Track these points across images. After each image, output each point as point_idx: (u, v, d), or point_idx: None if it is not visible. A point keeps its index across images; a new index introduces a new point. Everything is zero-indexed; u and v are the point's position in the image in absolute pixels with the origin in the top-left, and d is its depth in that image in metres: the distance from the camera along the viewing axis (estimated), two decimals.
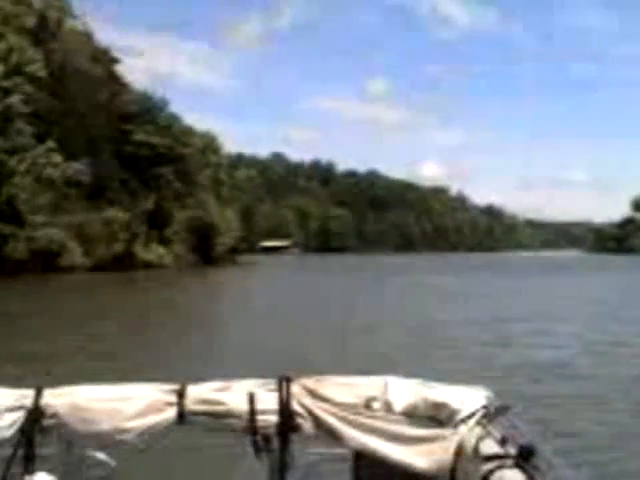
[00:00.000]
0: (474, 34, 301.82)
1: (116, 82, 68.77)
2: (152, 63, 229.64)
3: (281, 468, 3.43)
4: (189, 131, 75.88)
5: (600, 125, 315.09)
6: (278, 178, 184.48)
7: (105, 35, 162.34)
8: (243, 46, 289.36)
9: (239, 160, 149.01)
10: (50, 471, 3.38)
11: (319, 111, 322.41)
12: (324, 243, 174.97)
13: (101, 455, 3.46)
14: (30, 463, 3.29)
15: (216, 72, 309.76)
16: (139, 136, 66.82)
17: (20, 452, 3.28)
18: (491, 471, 2.81)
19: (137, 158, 66.76)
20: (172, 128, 70.95)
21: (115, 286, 46.97)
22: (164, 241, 70.06)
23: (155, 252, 68.07)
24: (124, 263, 60.73)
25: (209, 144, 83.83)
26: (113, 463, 3.46)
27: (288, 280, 56.15)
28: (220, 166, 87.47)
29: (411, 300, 36.28)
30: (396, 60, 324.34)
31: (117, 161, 65.19)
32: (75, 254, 57.22)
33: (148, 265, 65.55)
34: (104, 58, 68.45)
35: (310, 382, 3.44)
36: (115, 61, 72.30)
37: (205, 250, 76.14)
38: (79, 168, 56.91)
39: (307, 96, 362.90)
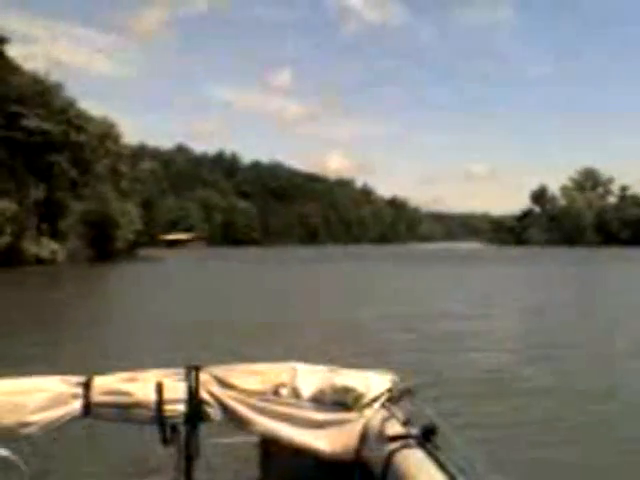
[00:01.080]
0: (381, 29, 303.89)
1: (3, 62, 63.10)
2: (52, 52, 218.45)
3: (188, 457, 3.41)
4: (85, 116, 70.43)
5: (500, 118, 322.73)
6: (182, 170, 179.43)
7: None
8: (146, 35, 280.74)
9: (141, 151, 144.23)
10: None
11: (223, 102, 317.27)
12: (229, 236, 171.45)
13: (4, 451, 3.37)
14: None
15: (117, 61, 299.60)
16: (30, 121, 61.37)
17: None
18: (394, 451, 2.89)
19: (27, 145, 61.29)
20: (66, 113, 65.59)
21: None
22: (57, 235, 64.66)
23: (47, 247, 62.57)
24: (11, 259, 55.49)
25: (107, 132, 78.76)
26: (17, 459, 3.40)
27: (191, 277, 52.63)
28: (120, 156, 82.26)
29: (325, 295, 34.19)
30: (302, 53, 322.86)
31: (4, 148, 59.62)
32: None
33: (40, 261, 60.30)
34: None
35: (219, 370, 3.46)
36: (3, 41, 66.57)
37: (103, 245, 71.15)
38: None
39: (211, 87, 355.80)
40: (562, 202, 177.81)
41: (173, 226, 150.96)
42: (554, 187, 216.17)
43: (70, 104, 67.58)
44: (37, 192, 61.37)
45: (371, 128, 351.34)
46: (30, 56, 71.14)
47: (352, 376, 3.50)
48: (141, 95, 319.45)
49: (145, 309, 27.98)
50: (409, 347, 17.27)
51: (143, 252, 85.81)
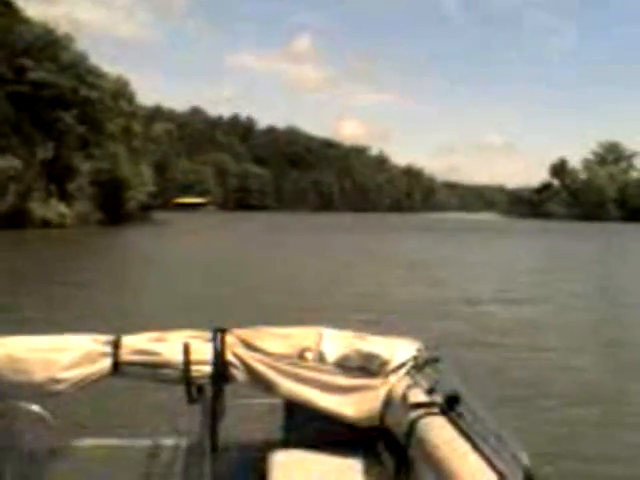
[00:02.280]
0: None
1: (10, 12, 59.65)
2: (70, 11, 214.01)
3: (214, 417, 3.49)
4: (97, 73, 66.88)
5: (518, 91, 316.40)
6: (196, 133, 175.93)
7: None
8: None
9: (156, 113, 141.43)
10: None
11: (241, 68, 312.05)
12: (242, 201, 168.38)
13: (35, 407, 3.42)
14: None
15: (136, 23, 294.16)
16: (37, 74, 57.98)
17: None
18: (418, 418, 2.91)
19: (35, 99, 57.93)
20: (77, 68, 62.05)
21: None
22: (66, 197, 61.59)
23: (55, 209, 59.50)
24: (16, 221, 52.47)
25: (121, 90, 75.39)
26: (48, 415, 3.45)
27: (207, 241, 49.88)
28: (133, 116, 78.97)
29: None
30: (322, 19, 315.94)
31: (9, 102, 56.34)
32: None
33: (47, 224, 57.25)
34: None
35: (245, 333, 3.51)
36: None
37: (114, 207, 67.71)
38: None
39: (230, 52, 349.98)
40: (583, 176, 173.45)
41: (187, 189, 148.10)
42: (574, 161, 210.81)
43: (81, 58, 64.06)
44: (45, 151, 58.12)
45: (389, 96, 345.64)
46: (52, 18, 67.67)
47: (378, 342, 3.51)
48: (159, 58, 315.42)
49: (156, 279, 25.33)
50: (473, 341, 14.33)
51: (155, 215, 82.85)
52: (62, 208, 60.22)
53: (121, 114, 73.60)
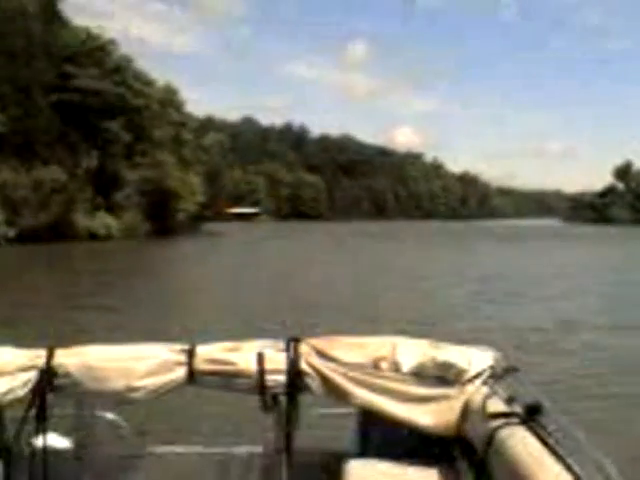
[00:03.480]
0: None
1: (55, 18, 57.51)
2: (123, 26, 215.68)
3: (288, 426, 3.48)
4: (143, 79, 64.33)
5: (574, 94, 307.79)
6: (249, 143, 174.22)
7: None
8: (215, 10, 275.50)
9: (209, 123, 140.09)
10: (62, 431, 3.56)
11: (294, 77, 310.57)
12: (295, 209, 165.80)
13: (112, 415, 3.59)
14: (42, 423, 3.33)
15: (187, 36, 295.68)
16: (82, 81, 55.62)
17: (32, 412, 3.31)
18: (498, 428, 2.86)
19: (80, 108, 55.58)
20: (123, 73, 59.52)
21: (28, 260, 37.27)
22: (113, 208, 59.04)
23: (101, 220, 57.00)
24: (60, 233, 49.98)
25: (169, 98, 73.10)
26: (124, 423, 3.61)
27: (265, 256, 46.11)
28: (183, 124, 76.66)
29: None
30: (377, 27, 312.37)
31: (54, 111, 54.02)
32: None
33: (93, 236, 54.96)
34: None
35: (319, 342, 3.49)
36: None
37: (162, 218, 64.84)
38: None
39: (284, 62, 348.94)
40: None
41: (239, 199, 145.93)
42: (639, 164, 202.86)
43: (126, 62, 61.51)
44: (90, 160, 55.63)
45: (440, 103, 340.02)
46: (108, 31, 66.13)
47: (454, 351, 3.46)
48: (211, 70, 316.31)
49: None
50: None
51: (206, 226, 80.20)
52: (108, 219, 57.72)
53: (170, 122, 71.32)
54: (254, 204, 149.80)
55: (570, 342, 15.17)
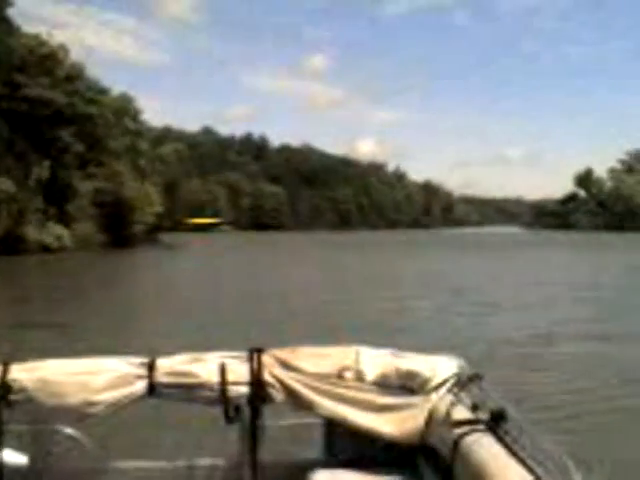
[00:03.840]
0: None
1: (5, 25, 55.55)
2: (77, 35, 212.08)
3: (252, 438, 3.46)
4: (96, 88, 62.57)
5: (533, 102, 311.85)
6: (208, 153, 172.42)
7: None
8: (173, 18, 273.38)
9: (167, 133, 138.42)
10: (18, 447, 3.45)
11: (254, 87, 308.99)
12: (256, 220, 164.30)
13: (71, 430, 3.48)
14: None
15: (143, 45, 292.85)
16: (32, 90, 53.77)
17: None
18: (463, 436, 2.86)
19: (29, 117, 53.67)
20: (74, 81, 57.70)
21: None
22: (65, 218, 57.05)
23: (52, 232, 55.04)
24: (10, 246, 48.15)
25: (124, 107, 71.33)
26: (84, 438, 3.52)
27: (227, 269, 44.47)
28: (140, 134, 74.95)
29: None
30: (335, 37, 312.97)
31: (3, 120, 52.06)
32: None
33: (46, 248, 53.19)
34: None
35: (282, 353, 3.46)
36: (7, 3, 58.97)
37: (118, 229, 63.13)
38: None
39: (242, 72, 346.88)
40: (609, 185, 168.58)
41: (199, 210, 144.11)
42: (599, 171, 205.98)
43: (78, 72, 59.71)
44: (40, 170, 53.69)
45: (402, 114, 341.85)
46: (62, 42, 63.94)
47: (417, 360, 3.45)
48: (167, 80, 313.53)
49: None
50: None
51: (165, 237, 78.45)
52: (60, 230, 55.68)
53: (125, 132, 69.60)
54: (214, 215, 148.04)
55: (539, 352, 14.31)
